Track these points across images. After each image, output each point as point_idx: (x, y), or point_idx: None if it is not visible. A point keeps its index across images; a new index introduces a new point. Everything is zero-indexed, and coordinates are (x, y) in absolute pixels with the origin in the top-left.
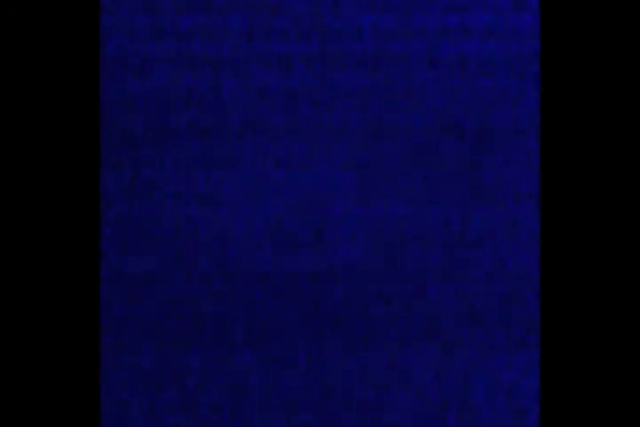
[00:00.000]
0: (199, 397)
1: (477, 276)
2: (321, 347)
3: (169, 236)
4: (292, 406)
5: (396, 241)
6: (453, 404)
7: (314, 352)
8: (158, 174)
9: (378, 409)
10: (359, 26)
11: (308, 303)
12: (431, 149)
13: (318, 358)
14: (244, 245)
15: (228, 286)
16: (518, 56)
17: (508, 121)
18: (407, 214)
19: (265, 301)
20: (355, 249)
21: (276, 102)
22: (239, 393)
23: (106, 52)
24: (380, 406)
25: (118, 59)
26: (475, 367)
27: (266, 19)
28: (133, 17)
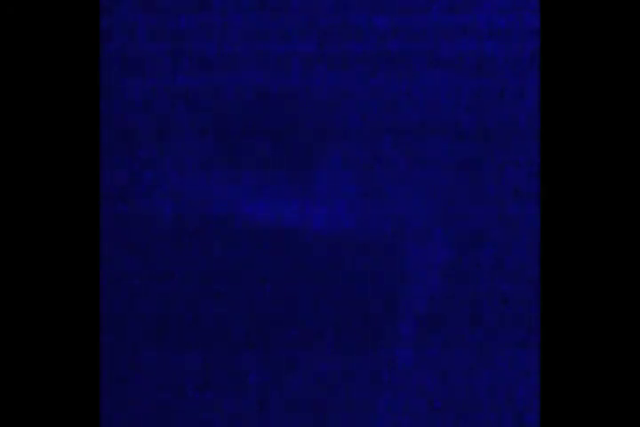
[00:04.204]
0: (199, 397)
1: (477, 276)
2: (321, 347)
3: (169, 236)
4: (291, 406)
5: (396, 241)
6: (453, 404)
7: (314, 352)
8: (158, 174)
9: (378, 409)
10: (359, 26)
11: (308, 303)
12: (431, 148)
13: (318, 358)
14: (243, 245)
15: (227, 286)
16: (518, 56)
17: (508, 121)
18: (407, 214)
19: (265, 300)
20: (355, 249)
21: (276, 102)
22: (239, 393)
23: (106, 52)
24: (381, 407)
25: (118, 59)
26: (475, 367)
27: (266, 19)
28: (133, 17)
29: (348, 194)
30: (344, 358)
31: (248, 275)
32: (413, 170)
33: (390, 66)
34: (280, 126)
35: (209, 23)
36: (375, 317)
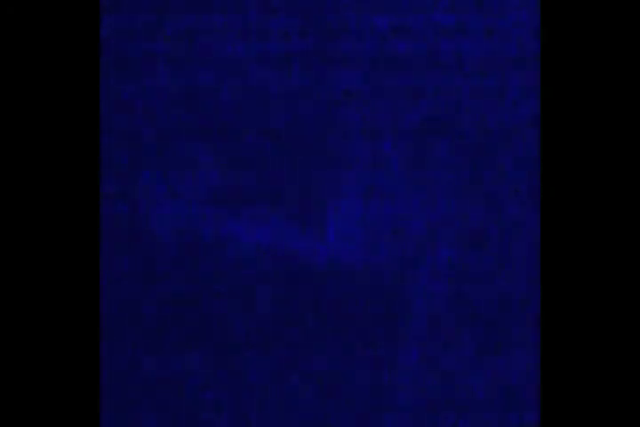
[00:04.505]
0: (199, 397)
1: (477, 276)
2: (321, 347)
3: (169, 236)
4: (291, 406)
5: (396, 241)
6: (453, 404)
7: (314, 352)
8: (158, 174)
9: (378, 409)
10: (359, 26)
11: (308, 303)
12: (431, 148)
13: (318, 359)
14: (244, 244)
15: (228, 286)
16: (518, 56)
17: (508, 121)
18: (407, 214)
19: (265, 301)
20: (355, 249)
21: (276, 102)
22: (239, 393)
23: (106, 52)
24: (381, 406)
25: (118, 59)
26: (475, 367)
27: (266, 19)
28: (133, 17)
29: (347, 194)
30: (344, 358)
31: (248, 275)
32: (413, 170)
33: (390, 66)
34: (280, 126)
35: (209, 23)
36: (375, 317)
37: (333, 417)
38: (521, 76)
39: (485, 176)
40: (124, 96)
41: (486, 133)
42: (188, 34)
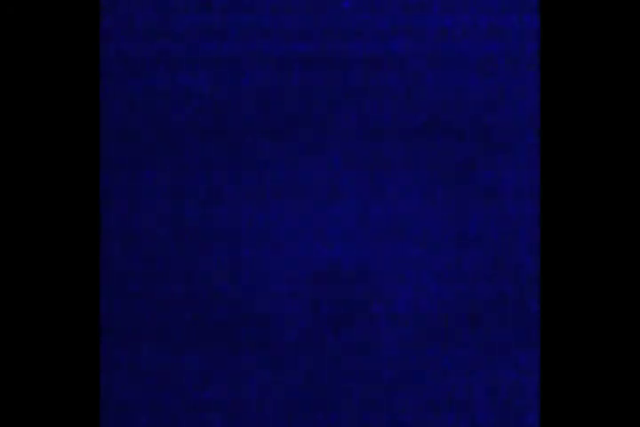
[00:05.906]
0: (199, 397)
1: (477, 276)
2: (321, 347)
3: (169, 236)
4: (291, 406)
5: (396, 241)
6: (453, 404)
7: (314, 352)
8: (158, 174)
9: (378, 409)
10: (359, 26)
11: (308, 303)
12: (431, 148)
13: (318, 358)
14: (243, 244)
15: (228, 286)
16: (518, 56)
17: (508, 121)
18: (407, 214)
19: (265, 301)
20: (355, 249)
21: (276, 102)
22: (239, 393)
23: (106, 52)
24: (381, 406)
25: (118, 59)
26: (475, 367)
27: (266, 19)
28: (133, 17)
29: (347, 194)
30: (344, 358)
31: (248, 274)
32: (413, 170)
33: (390, 66)
34: (280, 126)
35: (209, 23)
36: (375, 317)
37: (333, 417)
38: (521, 76)
39: (485, 176)
40: (125, 96)
41: (486, 133)
42: (188, 34)
